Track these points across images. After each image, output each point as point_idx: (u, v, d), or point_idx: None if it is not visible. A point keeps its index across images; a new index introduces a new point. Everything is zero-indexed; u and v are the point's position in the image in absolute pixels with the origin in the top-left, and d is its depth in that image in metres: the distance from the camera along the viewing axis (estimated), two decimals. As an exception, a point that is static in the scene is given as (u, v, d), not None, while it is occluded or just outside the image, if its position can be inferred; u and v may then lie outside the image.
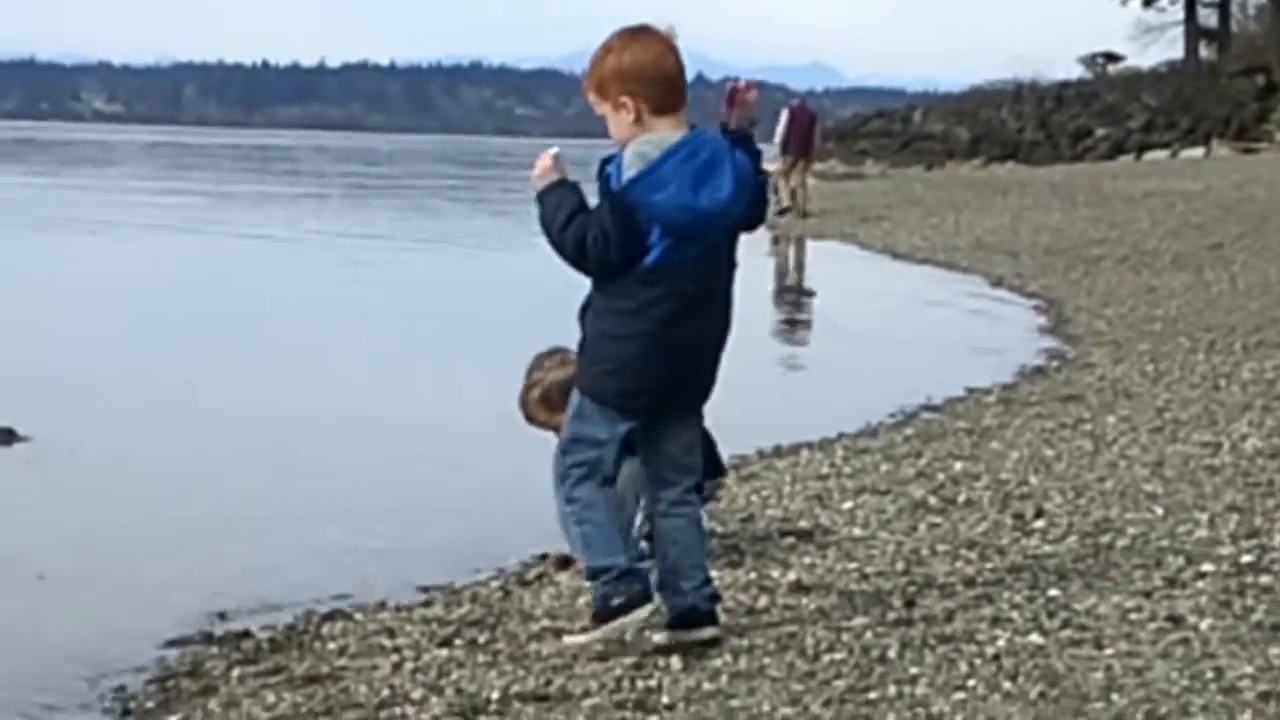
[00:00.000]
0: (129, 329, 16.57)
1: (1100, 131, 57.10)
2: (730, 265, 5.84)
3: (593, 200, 5.72)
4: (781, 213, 33.78)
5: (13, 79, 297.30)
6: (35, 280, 21.23)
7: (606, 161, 5.71)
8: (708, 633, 5.85)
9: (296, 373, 13.93)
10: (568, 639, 5.97)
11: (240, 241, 28.51)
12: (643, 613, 5.77)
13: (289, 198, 45.89)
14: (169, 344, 15.50)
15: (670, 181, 5.58)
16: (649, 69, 5.65)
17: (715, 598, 5.96)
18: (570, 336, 6.00)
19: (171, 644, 6.51)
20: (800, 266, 28.09)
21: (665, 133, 5.65)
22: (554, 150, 5.81)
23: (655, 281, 5.63)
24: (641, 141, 5.65)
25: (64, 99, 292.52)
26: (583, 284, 5.83)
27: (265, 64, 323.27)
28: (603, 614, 5.81)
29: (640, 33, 5.75)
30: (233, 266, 24.11)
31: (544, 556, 7.51)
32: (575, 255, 5.67)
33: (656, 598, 5.83)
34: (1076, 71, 65.30)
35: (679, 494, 5.88)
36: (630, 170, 5.60)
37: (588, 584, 5.96)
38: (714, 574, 6.85)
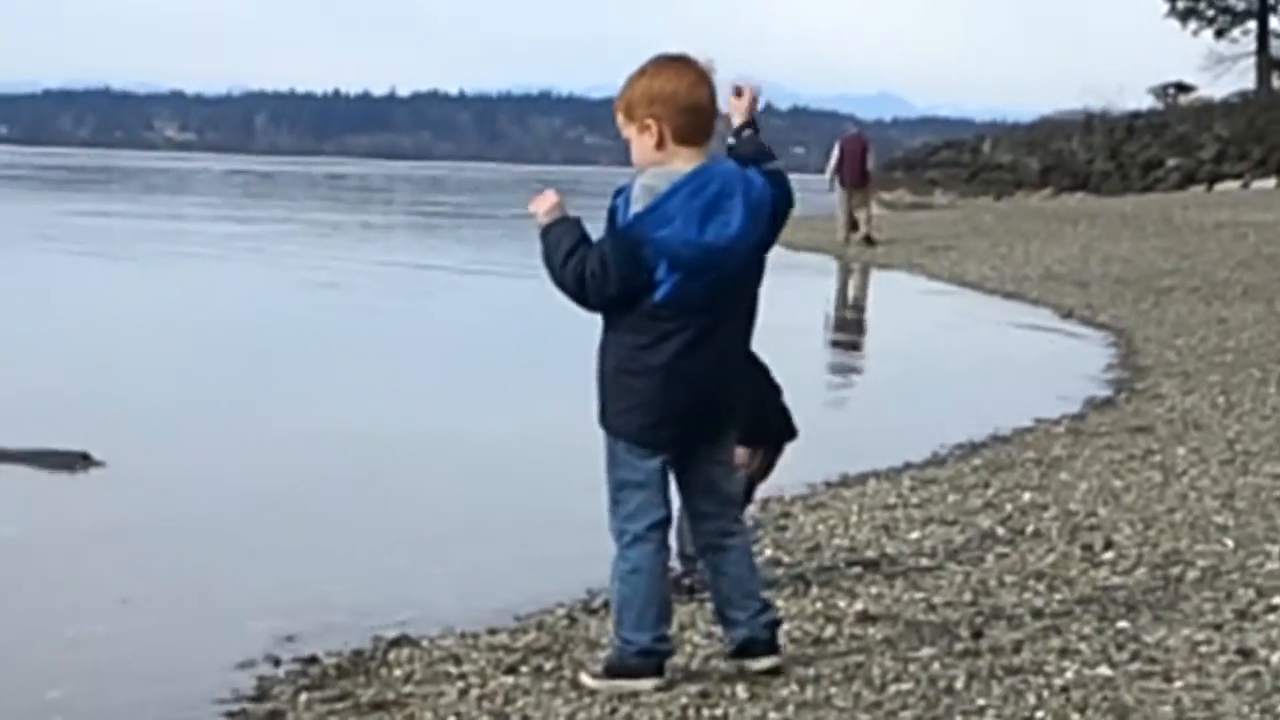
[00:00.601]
0: (205, 356, 16.66)
1: (1171, 162, 56.78)
2: (751, 292, 5.79)
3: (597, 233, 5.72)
4: (867, 240, 33.97)
5: (87, 107, 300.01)
6: (116, 308, 21.39)
7: (619, 193, 5.69)
8: (766, 663, 5.82)
9: (369, 398, 13.97)
10: (583, 676, 5.94)
11: (321, 270, 28.66)
12: (645, 684, 5.74)
13: (381, 227, 46.13)
14: (245, 371, 15.65)
15: (675, 217, 5.55)
16: (680, 96, 5.65)
17: (774, 624, 5.92)
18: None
19: (239, 668, 6.53)
20: (865, 295, 28.04)
21: (677, 165, 5.63)
22: (552, 191, 5.79)
23: (666, 316, 5.61)
24: (650, 175, 5.63)
25: (137, 128, 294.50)
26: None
27: (336, 93, 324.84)
28: (613, 669, 5.82)
29: (677, 60, 5.75)
30: (314, 294, 24.23)
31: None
32: (575, 289, 5.65)
33: (665, 676, 5.79)
34: (1147, 102, 65.03)
35: (721, 526, 5.86)
36: (637, 205, 5.58)
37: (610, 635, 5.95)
38: (780, 603, 6.86)
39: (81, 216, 43.42)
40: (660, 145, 5.66)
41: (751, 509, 9.16)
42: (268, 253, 32.29)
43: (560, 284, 5.69)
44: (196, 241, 34.69)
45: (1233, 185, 52.93)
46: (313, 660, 6.58)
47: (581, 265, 5.62)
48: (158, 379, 14.73)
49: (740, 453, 6.61)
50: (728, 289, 5.68)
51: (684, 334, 5.63)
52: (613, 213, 5.65)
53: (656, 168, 5.64)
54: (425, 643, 6.77)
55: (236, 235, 37.87)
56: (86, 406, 12.78)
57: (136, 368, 15.39)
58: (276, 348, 17.72)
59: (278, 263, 30.09)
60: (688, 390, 5.65)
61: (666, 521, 5.81)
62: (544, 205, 5.75)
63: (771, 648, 5.87)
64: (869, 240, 34.57)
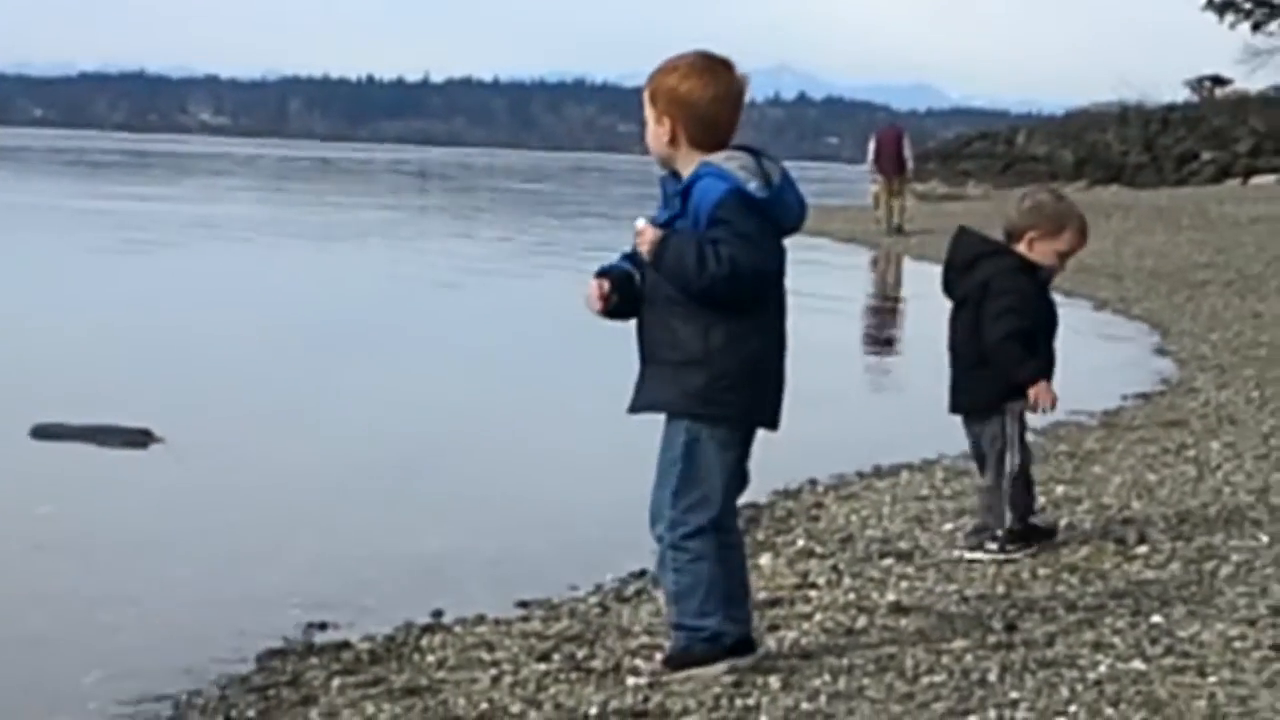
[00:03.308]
0: (272, 339, 16.81)
1: (1206, 155, 56.55)
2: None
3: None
4: (899, 231, 34.12)
5: (122, 91, 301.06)
6: (184, 290, 21.54)
7: (691, 183, 5.59)
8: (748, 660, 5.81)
9: (418, 383, 14.10)
10: (630, 679, 5.83)
11: (389, 253, 28.77)
12: (718, 668, 5.70)
13: (447, 210, 46.20)
14: (308, 354, 15.85)
15: (793, 185, 5.67)
16: (699, 107, 5.61)
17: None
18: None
19: (273, 653, 6.55)
20: (900, 286, 28.00)
21: (727, 152, 5.62)
22: (640, 220, 5.70)
23: (771, 289, 5.66)
24: (728, 158, 5.59)
25: (172, 112, 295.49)
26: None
27: (370, 79, 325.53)
28: (677, 660, 5.77)
29: (711, 67, 5.68)
30: (380, 280, 24.37)
31: (642, 573, 7.51)
32: (725, 275, 5.50)
33: (750, 656, 5.78)
34: (1183, 95, 64.74)
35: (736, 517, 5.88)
36: (751, 181, 5.53)
37: (671, 629, 5.89)
38: (813, 594, 6.87)
39: (161, 203, 43.52)
40: (673, 143, 5.66)
41: (784, 499, 9.20)
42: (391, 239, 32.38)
43: (706, 281, 5.51)
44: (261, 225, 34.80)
45: (1268, 179, 52.68)
46: (346, 645, 6.60)
47: (722, 253, 5.49)
48: (231, 362, 14.90)
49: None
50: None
51: (776, 305, 5.70)
52: (730, 192, 5.51)
53: (714, 154, 5.59)
54: (458, 629, 6.79)
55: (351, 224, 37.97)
56: (156, 385, 13.06)
57: (210, 350, 15.55)
58: (351, 331, 17.85)
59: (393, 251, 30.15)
60: (778, 361, 5.72)
61: (728, 518, 5.75)
62: (644, 238, 5.63)
63: (751, 647, 5.87)
64: (900, 230, 34.72)
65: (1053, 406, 7.42)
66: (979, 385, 7.54)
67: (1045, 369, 7.38)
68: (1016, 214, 7.57)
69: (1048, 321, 7.51)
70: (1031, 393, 7.33)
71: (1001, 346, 7.35)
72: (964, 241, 7.67)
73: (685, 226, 5.59)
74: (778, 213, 5.61)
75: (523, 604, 7.23)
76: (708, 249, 5.51)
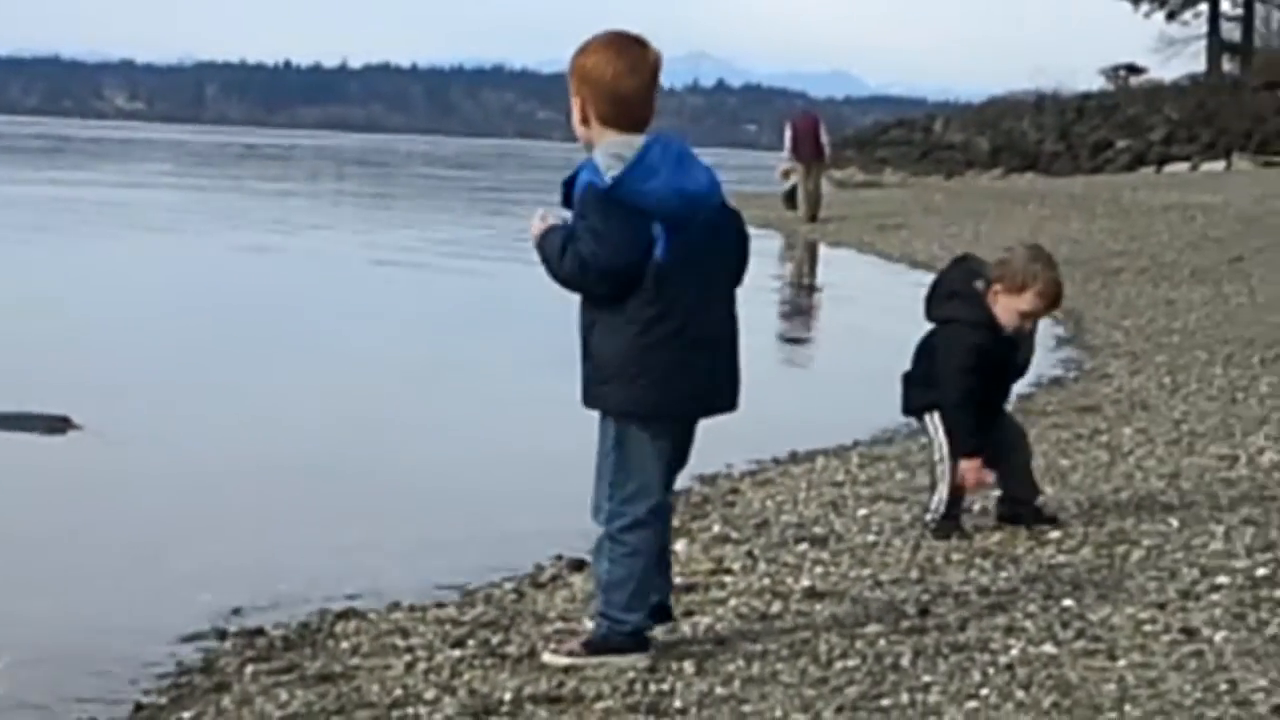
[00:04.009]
0: (194, 326, 16.72)
1: (1121, 143, 56.95)
2: (733, 270, 5.79)
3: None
4: (812, 219, 34.27)
5: (36, 76, 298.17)
6: (106, 277, 21.40)
7: (568, 183, 5.63)
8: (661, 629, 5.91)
9: (339, 371, 14.07)
10: (547, 655, 5.88)
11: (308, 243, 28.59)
12: (633, 659, 5.72)
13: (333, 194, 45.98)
14: (229, 341, 15.73)
15: (660, 168, 5.53)
16: (604, 83, 5.61)
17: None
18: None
19: (186, 640, 6.53)
20: (814, 273, 28.09)
21: (630, 136, 5.61)
22: (540, 211, 5.74)
23: (670, 278, 5.55)
24: (610, 144, 5.58)
25: (87, 96, 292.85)
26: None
27: (287, 64, 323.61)
28: (595, 647, 5.78)
29: (618, 43, 5.69)
30: (298, 272, 24.25)
31: (559, 558, 7.52)
32: (577, 275, 5.55)
33: (651, 651, 5.80)
34: (1098, 83, 65.16)
35: (670, 498, 5.93)
36: (612, 170, 5.52)
37: (589, 616, 5.94)
38: (728, 579, 6.89)
39: (80, 188, 43.13)
40: (584, 121, 5.66)
41: (700, 485, 9.22)
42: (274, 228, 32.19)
43: (563, 279, 5.58)
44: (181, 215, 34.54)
45: (1182, 167, 53.12)
46: (259, 632, 6.58)
47: (574, 247, 5.53)
48: (153, 352, 14.79)
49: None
50: (715, 243, 5.67)
51: (691, 292, 5.59)
52: (585, 188, 5.55)
53: (615, 138, 5.60)
54: (373, 615, 6.78)
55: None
56: (78, 374, 12.92)
57: (132, 340, 15.49)
58: (270, 321, 17.76)
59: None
60: (707, 350, 5.65)
61: (665, 506, 5.79)
62: (535, 228, 5.69)
63: (669, 615, 5.95)
64: (813, 217, 34.84)
65: (977, 488, 7.47)
66: (911, 394, 7.66)
67: (986, 426, 7.47)
68: (994, 261, 7.55)
69: (1001, 374, 7.54)
70: (962, 467, 7.43)
71: (954, 414, 7.45)
72: (952, 274, 7.66)
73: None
74: (640, 199, 5.49)
75: (438, 590, 7.21)
76: (568, 245, 5.54)
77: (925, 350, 7.63)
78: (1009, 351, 7.49)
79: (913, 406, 7.67)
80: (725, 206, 5.79)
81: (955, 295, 7.51)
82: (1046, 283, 7.39)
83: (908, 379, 7.69)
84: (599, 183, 5.52)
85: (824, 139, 36.05)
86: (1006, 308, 7.37)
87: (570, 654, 5.82)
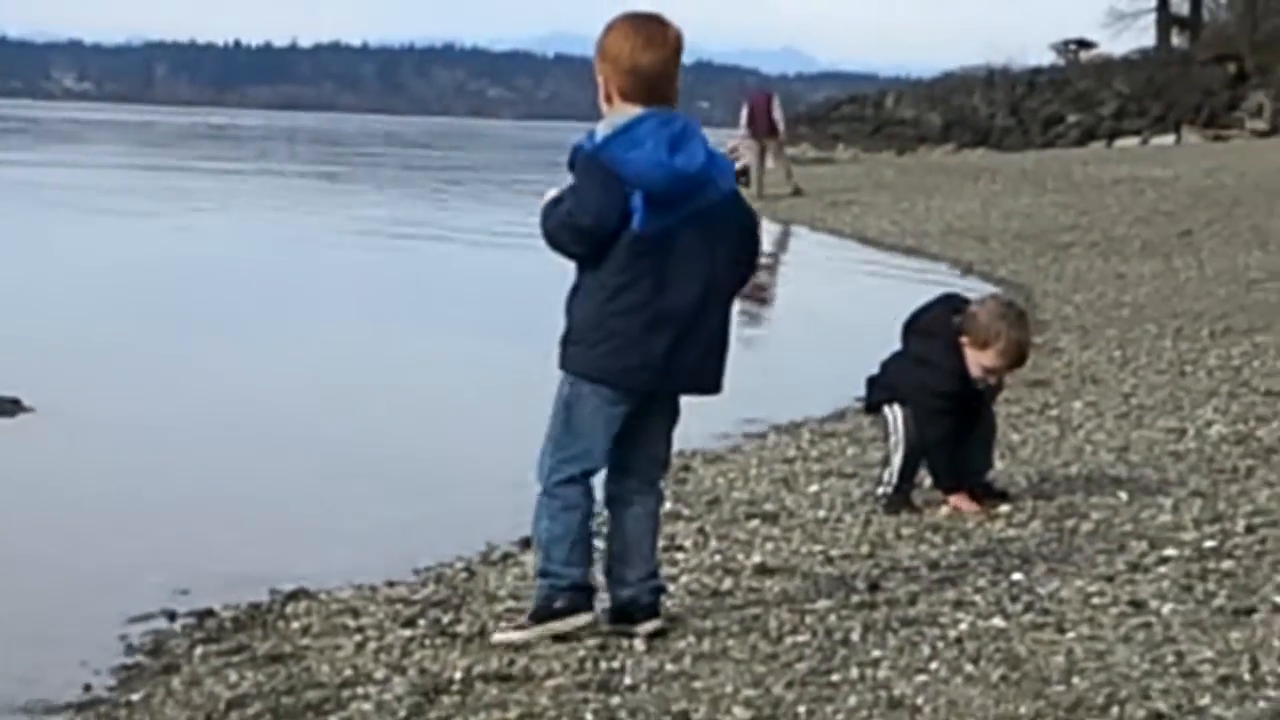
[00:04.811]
0: (148, 310, 16.60)
1: (1071, 118, 57.16)
2: (728, 260, 5.77)
3: None
4: (796, 192, 34.48)
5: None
6: (61, 259, 21.28)
7: (579, 143, 5.74)
8: (649, 626, 5.80)
9: (293, 351, 14.05)
10: (497, 635, 5.91)
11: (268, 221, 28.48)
12: (579, 620, 5.77)
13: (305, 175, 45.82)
14: (184, 324, 15.58)
15: (645, 140, 5.58)
16: (623, 58, 5.67)
17: (659, 590, 5.92)
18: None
19: (135, 621, 6.50)
20: (764, 250, 28.11)
21: (635, 108, 5.67)
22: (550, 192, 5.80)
23: (646, 249, 5.60)
24: (613, 114, 5.68)
25: (35, 77, 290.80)
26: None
27: (237, 44, 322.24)
28: (540, 614, 5.81)
29: (635, 20, 5.77)
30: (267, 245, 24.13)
31: (519, 542, 7.46)
32: (558, 234, 5.66)
33: (596, 610, 5.83)
34: (1049, 58, 65.34)
35: (641, 484, 5.86)
36: (603, 135, 5.64)
37: (534, 579, 5.95)
38: (679, 556, 6.89)
39: (32, 169, 42.89)
40: (607, 99, 5.72)
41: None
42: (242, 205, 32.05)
43: (546, 235, 5.69)
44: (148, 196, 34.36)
45: (1132, 141, 53.35)
46: (209, 613, 6.56)
47: (562, 208, 5.64)
48: (105, 332, 14.73)
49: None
50: (706, 228, 5.68)
51: (665, 269, 5.63)
52: (576, 150, 5.68)
53: (615, 114, 5.68)
54: (323, 596, 6.76)
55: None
56: (29, 355, 12.86)
57: (85, 320, 15.38)
58: (231, 301, 17.67)
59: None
60: (670, 329, 5.65)
61: (595, 472, 5.81)
62: (544, 200, 5.79)
63: (654, 611, 5.86)
64: (797, 191, 35.08)
65: (970, 513, 7.52)
66: (873, 393, 7.80)
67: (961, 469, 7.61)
68: (966, 312, 7.57)
69: (970, 408, 7.61)
70: (952, 502, 7.55)
71: (935, 454, 7.60)
72: (934, 310, 7.71)
73: None
74: (620, 166, 5.57)
75: (388, 570, 7.19)
76: (557, 204, 5.68)
77: (893, 366, 7.72)
78: (976, 396, 7.55)
79: (873, 402, 7.76)
80: (734, 202, 5.81)
81: (933, 336, 7.55)
82: (1009, 342, 7.43)
83: (872, 381, 7.78)
84: (587, 145, 5.64)
85: (776, 115, 36.10)
86: (972, 360, 7.46)
87: (518, 628, 5.85)
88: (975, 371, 7.47)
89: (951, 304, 7.70)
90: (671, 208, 5.61)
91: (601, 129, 5.66)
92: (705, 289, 5.70)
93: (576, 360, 5.72)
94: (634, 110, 5.66)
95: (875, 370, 7.84)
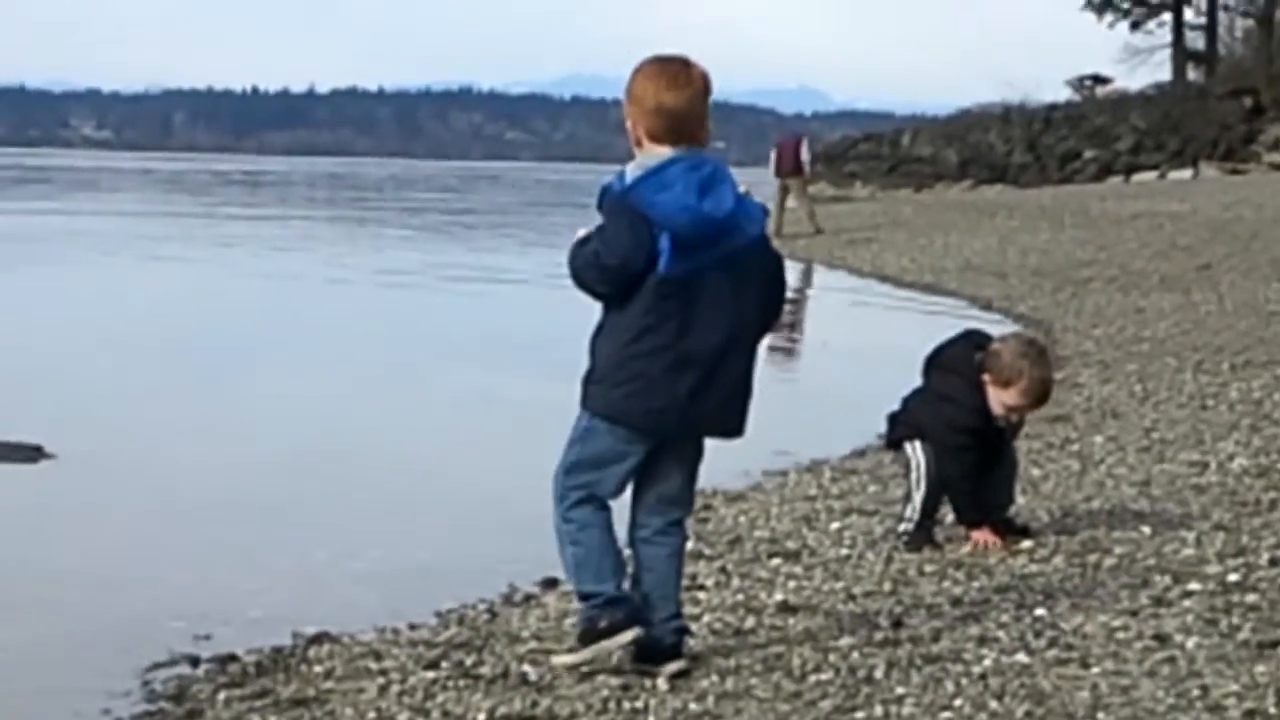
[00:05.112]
0: (165, 355, 16.66)
1: (1088, 153, 57.18)
2: (761, 294, 5.79)
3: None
4: (817, 231, 34.59)
5: (2, 105, 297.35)
6: (79, 304, 21.39)
7: (608, 185, 5.78)
8: (673, 667, 5.79)
9: (310, 396, 14.04)
10: (555, 659, 5.97)
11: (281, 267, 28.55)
12: (627, 636, 5.75)
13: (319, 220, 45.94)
14: (201, 370, 15.64)
15: (675, 183, 5.60)
16: (648, 99, 5.70)
17: (682, 630, 5.91)
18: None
19: (158, 667, 6.49)
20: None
21: (667, 149, 5.70)
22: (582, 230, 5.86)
23: (669, 293, 5.62)
24: (643, 155, 5.71)
25: (53, 126, 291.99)
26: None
27: (255, 90, 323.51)
28: (588, 635, 5.81)
29: (660, 62, 5.81)
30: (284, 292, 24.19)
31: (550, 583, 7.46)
32: (585, 274, 5.69)
33: (641, 627, 5.79)
34: (1064, 94, 65.44)
35: (664, 523, 5.85)
36: (633, 177, 5.67)
37: (576, 605, 5.96)
38: (701, 595, 6.88)
39: (58, 217, 43.05)
40: (637, 143, 5.76)
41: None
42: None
43: (573, 274, 5.74)
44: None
45: (1149, 176, 53.36)
46: (232, 658, 6.55)
47: (590, 247, 5.69)
48: (125, 378, 14.79)
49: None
50: (733, 272, 5.69)
51: (690, 312, 5.64)
52: (605, 191, 5.72)
53: (645, 155, 5.71)
54: (346, 639, 6.75)
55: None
56: (50, 401, 12.93)
57: (104, 367, 15.42)
58: (247, 346, 17.73)
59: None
60: (693, 371, 5.66)
61: (606, 499, 5.82)
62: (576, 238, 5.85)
63: (677, 653, 5.85)
64: (818, 230, 35.31)
65: (994, 548, 7.51)
66: (895, 429, 7.79)
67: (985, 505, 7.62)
68: (988, 350, 7.55)
69: (992, 446, 7.61)
70: (976, 538, 7.55)
71: (957, 487, 7.59)
72: (957, 346, 7.69)
73: None
74: (649, 209, 5.59)
75: (411, 613, 7.18)
76: (585, 244, 5.72)
77: (915, 402, 7.71)
78: (998, 434, 7.53)
79: (894, 438, 7.75)
80: (763, 247, 5.81)
81: (955, 373, 7.54)
82: (1032, 381, 7.39)
83: (893, 418, 7.77)
84: (616, 186, 5.68)
85: (804, 156, 36.52)
86: (994, 398, 7.43)
87: (570, 651, 5.91)
88: (997, 409, 7.45)
89: (974, 340, 7.68)
90: (699, 251, 5.62)
91: (631, 170, 5.68)
92: (730, 333, 5.71)
93: (598, 400, 5.74)
94: (664, 152, 5.67)
95: (896, 406, 7.83)
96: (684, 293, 5.62)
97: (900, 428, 7.74)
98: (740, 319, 5.73)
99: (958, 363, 7.56)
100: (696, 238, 5.61)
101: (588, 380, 5.77)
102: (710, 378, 5.68)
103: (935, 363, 7.71)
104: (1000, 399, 7.42)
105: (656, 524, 5.84)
